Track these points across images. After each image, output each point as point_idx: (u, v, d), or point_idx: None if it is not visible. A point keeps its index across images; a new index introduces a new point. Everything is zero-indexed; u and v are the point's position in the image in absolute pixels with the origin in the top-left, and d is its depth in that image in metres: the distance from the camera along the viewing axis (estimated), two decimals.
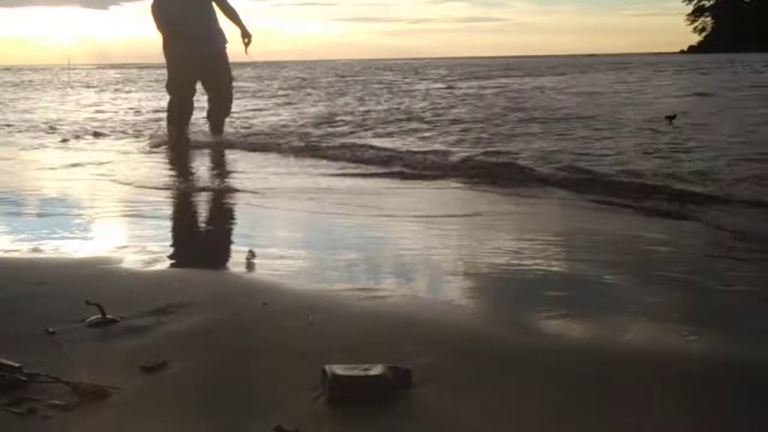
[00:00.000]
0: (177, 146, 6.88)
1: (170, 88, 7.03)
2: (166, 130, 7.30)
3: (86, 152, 7.05)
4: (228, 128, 7.60)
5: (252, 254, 2.99)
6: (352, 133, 8.07)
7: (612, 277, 2.69)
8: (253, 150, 6.78)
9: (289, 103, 13.57)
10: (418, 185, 4.89)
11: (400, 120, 9.44)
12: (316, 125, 9.00)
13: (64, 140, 8.12)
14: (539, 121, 8.94)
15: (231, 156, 6.61)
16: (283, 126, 9.01)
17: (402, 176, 5.17)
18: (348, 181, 5.07)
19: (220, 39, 6.93)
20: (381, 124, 9.01)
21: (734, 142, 6.62)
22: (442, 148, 6.52)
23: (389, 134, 7.86)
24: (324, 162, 6.02)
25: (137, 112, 12.20)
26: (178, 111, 7.04)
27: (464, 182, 4.91)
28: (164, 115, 7.47)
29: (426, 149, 6.41)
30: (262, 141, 7.27)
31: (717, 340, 2.10)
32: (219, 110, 7.11)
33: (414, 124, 8.86)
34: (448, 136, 7.49)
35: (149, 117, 11.01)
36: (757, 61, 33.96)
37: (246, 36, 6.85)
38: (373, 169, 5.51)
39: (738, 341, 2.10)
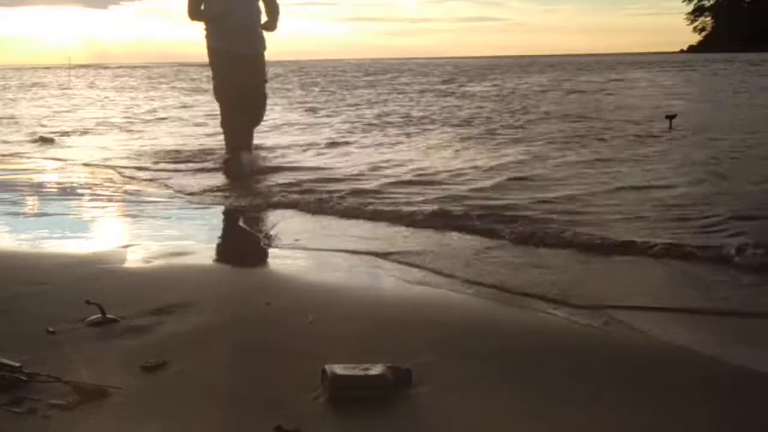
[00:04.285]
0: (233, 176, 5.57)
1: (217, 94, 6.28)
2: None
3: None
4: None
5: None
6: None
7: None
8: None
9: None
10: None
11: None
12: None
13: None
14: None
15: None
16: None
17: None
18: None
19: (261, 41, 6.22)
20: None
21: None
22: None
23: None
24: None
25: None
26: (232, 134, 6.19)
27: None
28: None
29: None
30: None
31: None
32: (248, 118, 6.27)
33: None
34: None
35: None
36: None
37: (270, 30, 6.10)
38: None
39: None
